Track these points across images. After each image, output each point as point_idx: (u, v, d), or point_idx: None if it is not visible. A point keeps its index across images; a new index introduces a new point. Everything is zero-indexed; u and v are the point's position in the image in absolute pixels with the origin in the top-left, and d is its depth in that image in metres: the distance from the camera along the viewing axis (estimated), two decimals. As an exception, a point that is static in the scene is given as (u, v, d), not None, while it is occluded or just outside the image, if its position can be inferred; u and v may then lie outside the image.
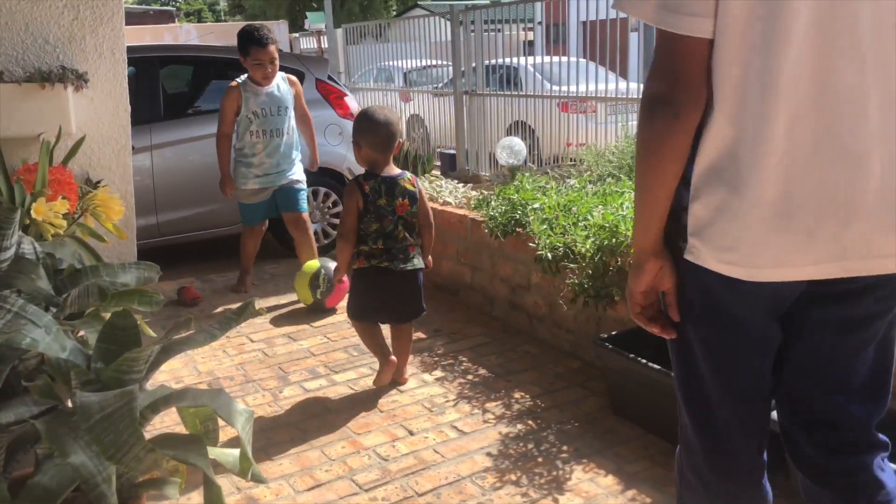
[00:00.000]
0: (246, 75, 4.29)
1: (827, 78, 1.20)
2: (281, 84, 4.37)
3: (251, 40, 4.17)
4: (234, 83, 4.28)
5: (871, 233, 1.25)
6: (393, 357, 3.14)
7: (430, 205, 4.33)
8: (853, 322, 1.39)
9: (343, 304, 3.54)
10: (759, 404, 1.49)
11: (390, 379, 3.16)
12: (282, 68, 5.57)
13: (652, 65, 1.28)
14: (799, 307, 1.38)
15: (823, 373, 1.45)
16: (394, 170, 3.06)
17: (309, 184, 5.35)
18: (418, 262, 3.07)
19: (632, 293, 1.44)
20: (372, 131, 2.98)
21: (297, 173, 4.51)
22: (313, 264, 4.16)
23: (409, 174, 3.12)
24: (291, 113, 4.39)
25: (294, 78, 4.51)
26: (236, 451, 1.85)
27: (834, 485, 1.47)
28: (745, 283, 1.30)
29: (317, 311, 4.11)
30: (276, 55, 4.27)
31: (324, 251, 4.97)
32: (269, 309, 4.21)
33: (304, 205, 4.52)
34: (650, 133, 1.29)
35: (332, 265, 3.72)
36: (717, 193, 1.28)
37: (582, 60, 6.73)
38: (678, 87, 1.24)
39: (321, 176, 5.37)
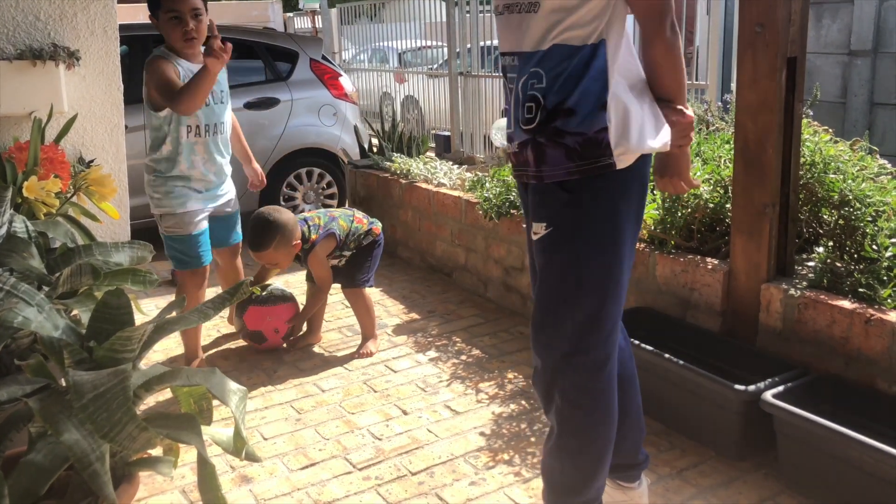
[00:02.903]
0: (163, 46, 2.87)
1: None
2: None
3: None
4: (157, 56, 2.82)
5: None
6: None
7: (423, 186, 4.35)
8: None
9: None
10: None
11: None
12: (276, 49, 5.54)
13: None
14: None
15: None
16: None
17: (302, 164, 5.35)
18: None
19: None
20: (295, 226, 3.12)
21: (232, 186, 3.22)
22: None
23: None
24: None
25: None
26: (230, 430, 1.85)
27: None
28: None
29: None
30: (203, 8, 2.82)
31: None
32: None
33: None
34: (676, 49, 1.66)
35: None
36: (624, 104, 1.65)
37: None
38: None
39: (316, 157, 5.36)
